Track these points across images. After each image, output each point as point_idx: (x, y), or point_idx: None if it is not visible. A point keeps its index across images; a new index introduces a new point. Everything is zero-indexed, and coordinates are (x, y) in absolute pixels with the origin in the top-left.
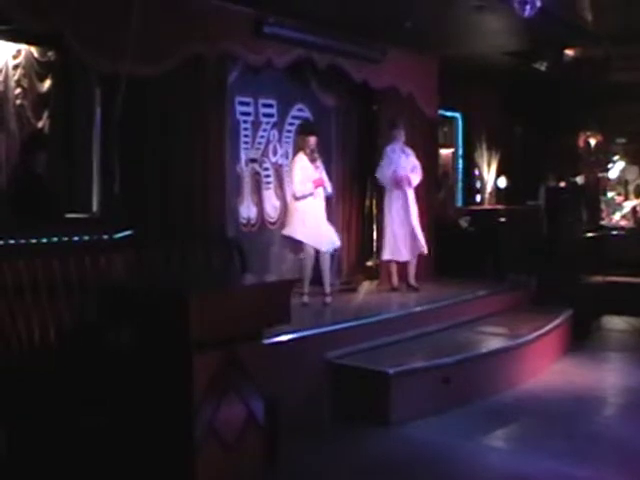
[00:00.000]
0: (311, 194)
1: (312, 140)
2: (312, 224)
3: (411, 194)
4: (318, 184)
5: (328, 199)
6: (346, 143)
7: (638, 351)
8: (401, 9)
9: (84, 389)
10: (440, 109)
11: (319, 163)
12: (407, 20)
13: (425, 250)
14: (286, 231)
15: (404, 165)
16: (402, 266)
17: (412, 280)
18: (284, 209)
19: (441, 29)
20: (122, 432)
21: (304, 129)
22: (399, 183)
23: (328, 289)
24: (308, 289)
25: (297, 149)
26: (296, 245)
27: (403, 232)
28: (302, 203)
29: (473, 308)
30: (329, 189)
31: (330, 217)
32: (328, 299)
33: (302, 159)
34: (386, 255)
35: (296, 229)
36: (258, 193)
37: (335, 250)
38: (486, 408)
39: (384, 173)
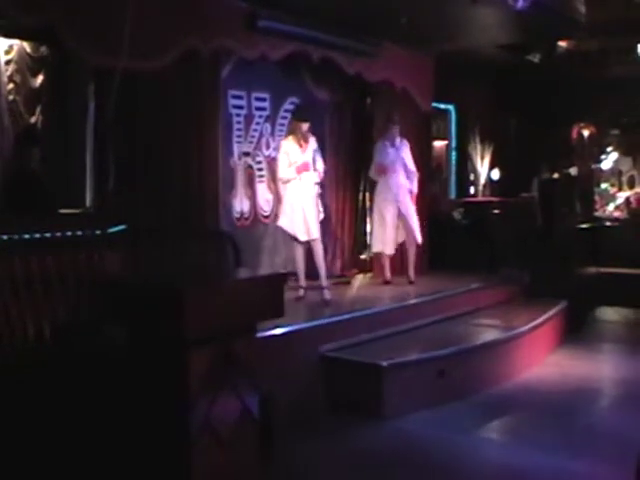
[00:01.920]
0: (294, 179)
1: (305, 126)
2: (296, 211)
3: (401, 184)
4: (301, 169)
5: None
6: (340, 136)
7: (632, 343)
8: (395, 3)
9: (78, 384)
10: (433, 102)
11: (308, 143)
12: (401, 15)
13: (419, 240)
14: (279, 221)
15: (392, 158)
16: (395, 259)
17: (411, 273)
18: (277, 202)
19: (435, 22)
20: (117, 427)
21: (299, 115)
22: (381, 172)
23: (325, 282)
24: (304, 282)
25: (287, 133)
26: (288, 236)
27: (391, 224)
28: (289, 188)
29: (467, 300)
30: (319, 169)
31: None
32: (326, 295)
33: (288, 143)
34: (375, 247)
35: (282, 218)
36: (251, 187)
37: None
38: (481, 401)
39: (371, 167)
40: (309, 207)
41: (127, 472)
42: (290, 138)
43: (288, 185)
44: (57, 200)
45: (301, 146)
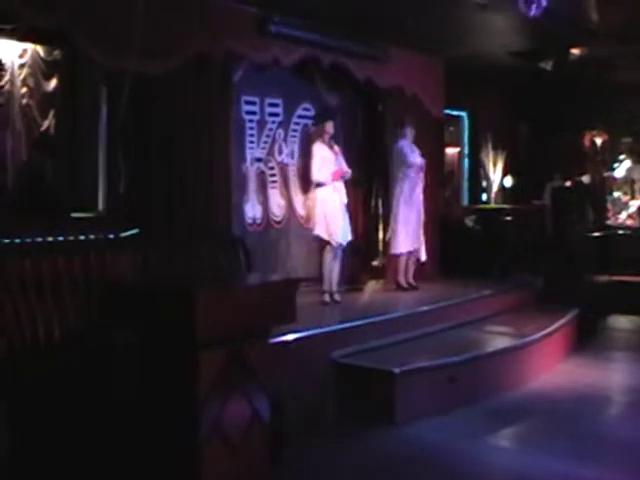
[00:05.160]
0: (327, 184)
1: (329, 126)
2: (330, 217)
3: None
4: (336, 177)
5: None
6: (351, 142)
7: None
8: (406, 8)
9: (89, 387)
10: (446, 108)
11: (337, 149)
12: (411, 18)
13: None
14: (316, 231)
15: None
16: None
17: (411, 278)
18: (289, 208)
19: (446, 28)
20: (127, 430)
21: (319, 118)
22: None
23: (337, 287)
24: (332, 287)
25: (314, 138)
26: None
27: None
28: (321, 195)
29: (479, 307)
30: (348, 172)
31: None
32: (337, 297)
33: (322, 147)
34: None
35: (318, 227)
36: (263, 192)
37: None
38: (492, 408)
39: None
40: (343, 213)
41: (137, 474)
42: (320, 143)
43: (320, 191)
44: (69, 204)
45: (332, 148)
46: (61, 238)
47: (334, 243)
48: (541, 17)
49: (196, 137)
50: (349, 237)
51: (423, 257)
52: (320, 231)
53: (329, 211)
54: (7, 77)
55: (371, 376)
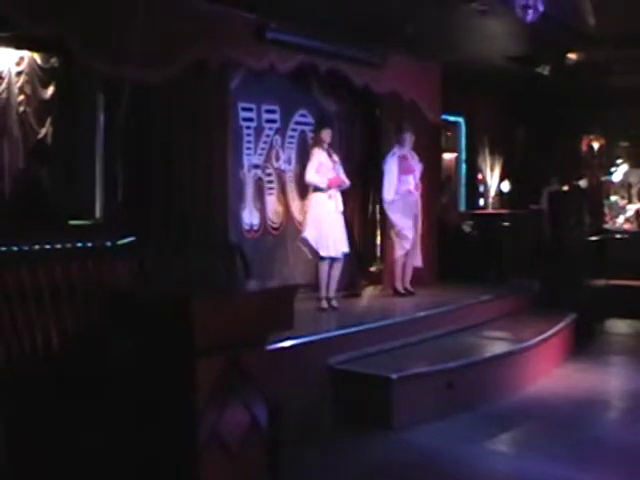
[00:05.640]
0: (323, 190)
1: (326, 134)
2: (326, 226)
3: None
4: (332, 183)
5: (343, 192)
6: (349, 148)
7: None
8: (403, 14)
9: (87, 395)
10: (443, 114)
11: (336, 158)
12: (409, 24)
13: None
14: (305, 234)
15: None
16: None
17: (408, 284)
18: (286, 214)
19: (443, 34)
20: (125, 438)
21: (318, 125)
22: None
23: (334, 293)
24: (329, 293)
25: (313, 145)
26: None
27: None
28: (316, 201)
29: (476, 313)
30: (346, 182)
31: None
32: (335, 303)
33: (320, 153)
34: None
35: (309, 230)
36: (261, 199)
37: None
38: (490, 413)
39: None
40: (338, 223)
41: None
42: (319, 149)
43: (315, 197)
44: (66, 211)
45: (330, 156)
46: (58, 246)
47: (323, 254)
48: (538, 22)
49: (194, 144)
50: (346, 249)
51: (419, 263)
52: (309, 235)
53: (324, 218)
54: (4, 85)
55: (368, 382)
